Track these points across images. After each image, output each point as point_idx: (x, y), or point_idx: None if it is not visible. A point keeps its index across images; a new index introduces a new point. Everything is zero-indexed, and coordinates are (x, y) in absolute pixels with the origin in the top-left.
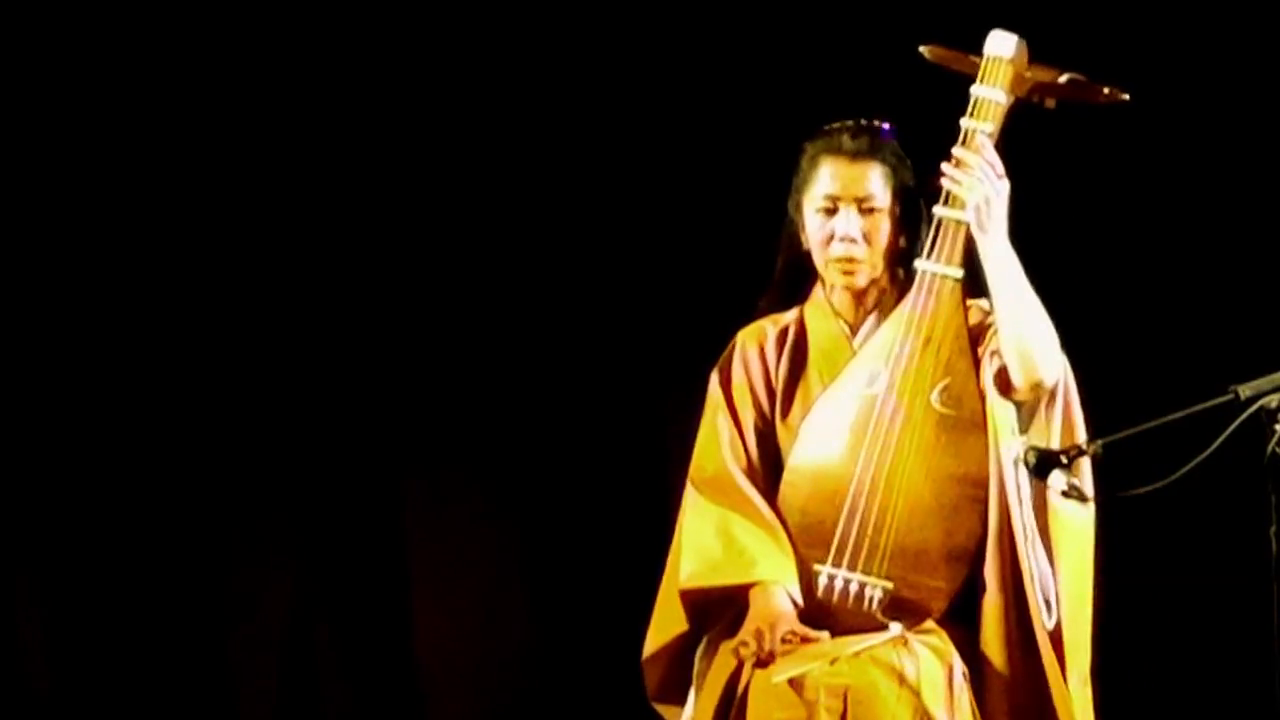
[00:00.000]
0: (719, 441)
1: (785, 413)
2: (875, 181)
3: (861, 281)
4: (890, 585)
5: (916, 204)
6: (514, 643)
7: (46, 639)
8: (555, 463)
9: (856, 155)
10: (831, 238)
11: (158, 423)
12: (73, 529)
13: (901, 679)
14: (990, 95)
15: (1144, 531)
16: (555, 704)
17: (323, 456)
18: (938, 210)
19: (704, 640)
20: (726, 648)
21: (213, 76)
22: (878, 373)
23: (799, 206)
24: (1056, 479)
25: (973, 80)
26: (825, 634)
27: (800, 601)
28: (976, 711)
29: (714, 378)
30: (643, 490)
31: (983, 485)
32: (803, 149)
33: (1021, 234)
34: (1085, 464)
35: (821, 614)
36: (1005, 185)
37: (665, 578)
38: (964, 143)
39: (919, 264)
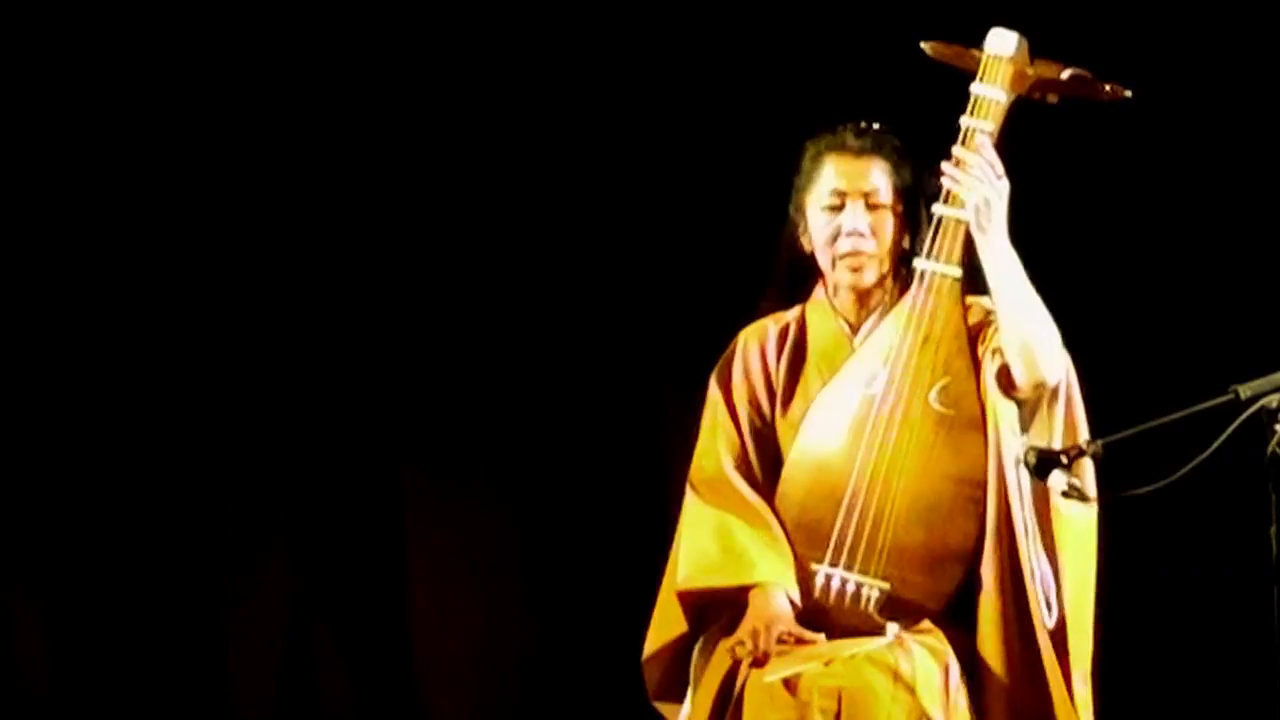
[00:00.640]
0: (718, 442)
1: (785, 411)
2: (880, 177)
3: (868, 278)
4: (887, 585)
5: (918, 203)
6: (514, 641)
7: (44, 636)
8: (556, 463)
9: (861, 151)
10: (838, 234)
11: (154, 417)
12: (69, 525)
13: (897, 678)
14: (990, 94)
15: (1144, 531)
16: (555, 702)
17: (321, 451)
18: (937, 209)
19: (701, 638)
20: (723, 647)
21: (212, 75)
22: (876, 372)
23: (801, 207)
24: (1057, 479)
25: (974, 77)
26: (821, 636)
27: (799, 602)
28: (973, 712)
29: (714, 377)
30: (643, 489)
31: (980, 485)
32: (804, 148)
33: (1021, 233)
34: (1087, 464)
35: (819, 614)
36: (1005, 185)
37: (665, 578)
38: (964, 142)
39: (918, 262)
